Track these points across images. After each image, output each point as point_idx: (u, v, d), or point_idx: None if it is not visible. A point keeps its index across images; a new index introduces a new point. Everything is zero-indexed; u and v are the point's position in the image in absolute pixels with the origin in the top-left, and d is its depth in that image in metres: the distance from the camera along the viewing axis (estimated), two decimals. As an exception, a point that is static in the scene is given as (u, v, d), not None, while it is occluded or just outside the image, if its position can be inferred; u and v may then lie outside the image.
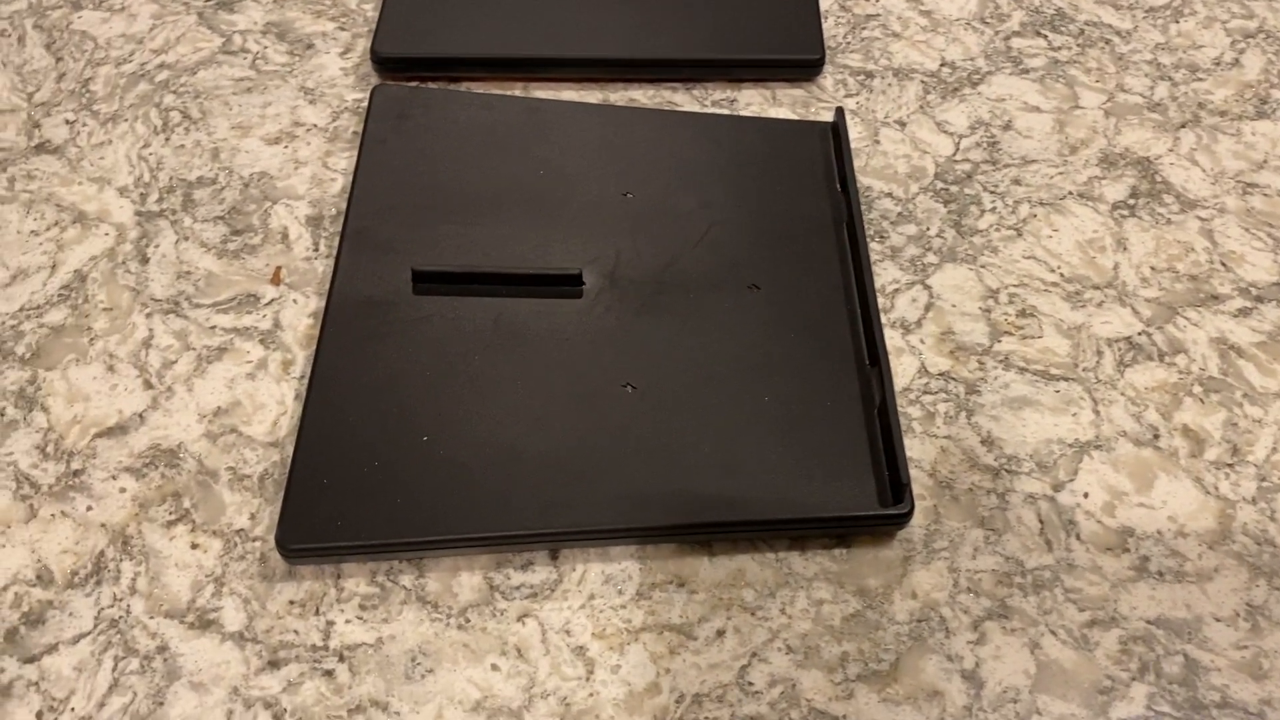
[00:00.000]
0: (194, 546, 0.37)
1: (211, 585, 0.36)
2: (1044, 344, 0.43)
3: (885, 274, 0.45)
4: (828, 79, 0.53)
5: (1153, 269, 0.45)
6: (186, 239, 0.45)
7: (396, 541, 0.36)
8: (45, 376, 0.41)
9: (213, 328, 0.43)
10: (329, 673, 0.35)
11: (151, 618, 0.36)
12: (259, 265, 0.45)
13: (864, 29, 0.55)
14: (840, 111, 0.48)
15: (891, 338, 0.43)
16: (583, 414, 0.39)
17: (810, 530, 0.38)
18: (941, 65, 0.54)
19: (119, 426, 0.40)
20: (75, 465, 0.39)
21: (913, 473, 0.39)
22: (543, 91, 0.51)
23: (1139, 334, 0.43)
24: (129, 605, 0.36)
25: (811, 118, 0.51)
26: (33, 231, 0.46)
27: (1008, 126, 0.51)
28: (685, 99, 0.52)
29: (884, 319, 0.44)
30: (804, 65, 0.52)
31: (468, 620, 0.36)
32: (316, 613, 0.36)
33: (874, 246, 0.46)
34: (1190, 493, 0.39)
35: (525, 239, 0.44)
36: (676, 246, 0.44)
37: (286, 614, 0.36)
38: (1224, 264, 0.46)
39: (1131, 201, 0.48)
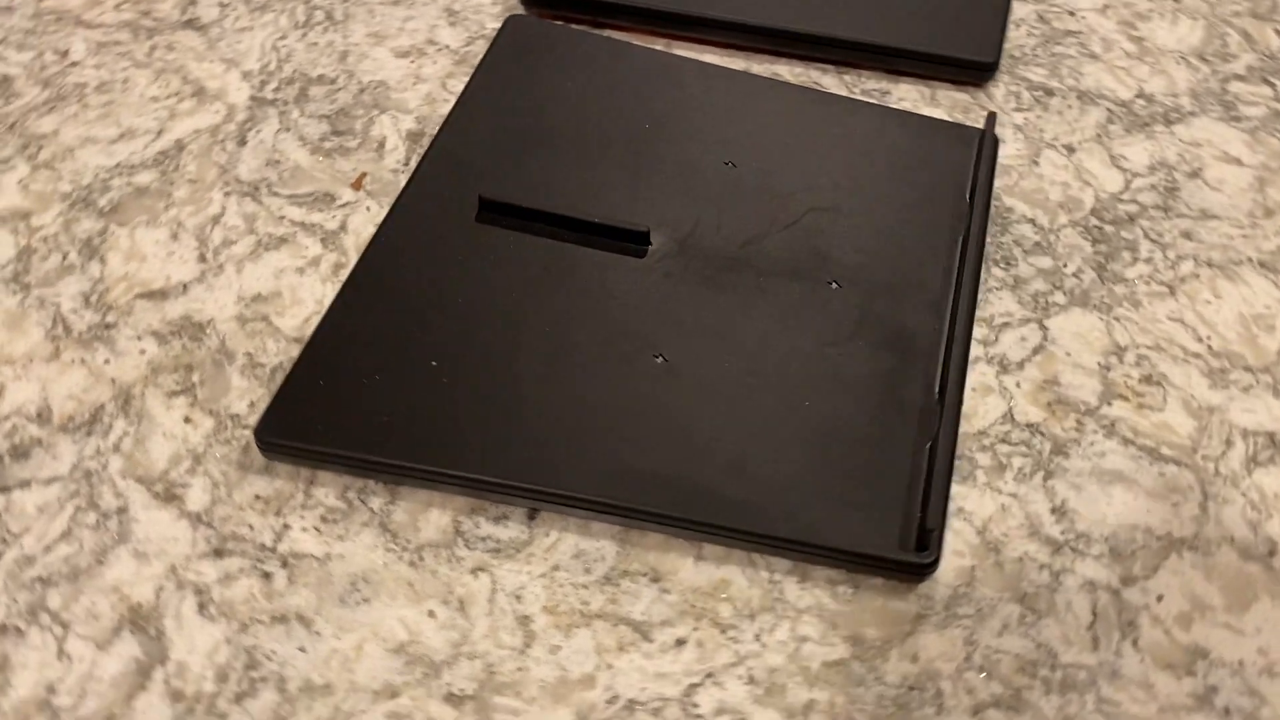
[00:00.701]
0: (186, 420, 0.36)
1: (189, 461, 0.35)
2: (1163, 418, 0.37)
3: (999, 304, 0.40)
4: (999, 88, 0.47)
5: (1327, 362, 0.38)
6: (287, 130, 0.45)
7: (373, 460, 0.34)
8: (115, 231, 0.42)
9: (281, 218, 0.42)
10: (267, 575, 0.33)
11: (123, 478, 0.35)
12: (347, 168, 0.44)
13: (1057, 44, 0.49)
14: (991, 116, 0.43)
15: (983, 373, 0.38)
16: (602, 375, 0.36)
17: (816, 557, 0.33)
18: (1137, 96, 0.47)
19: (161, 291, 0.40)
20: (109, 319, 0.39)
21: (959, 525, 0.34)
22: (685, 50, 0.48)
23: (1286, 431, 0.36)
24: (107, 461, 0.35)
25: (967, 123, 0.45)
26: (153, 98, 0.46)
27: (1195, 174, 0.44)
28: (834, 82, 0.47)
29: (980, 351, 0.38)
30: (973, 67, 0.47)
31: (421, 559, 0.33)
32: (277, 513, 0.34)
33: (995, 273, 0.40)
34: (1296, 628, 0.32)
35: (608, 190, 0.41)
36: (764, 225, 0.40)
37: (248, 507, 0.34)
38: None
39: (1323, 282, 0.40)
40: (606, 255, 0.39)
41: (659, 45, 0.49)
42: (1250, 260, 0.41)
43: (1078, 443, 0.36)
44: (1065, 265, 0.41)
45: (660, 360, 0.36)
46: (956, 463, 0.35)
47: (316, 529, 0.34)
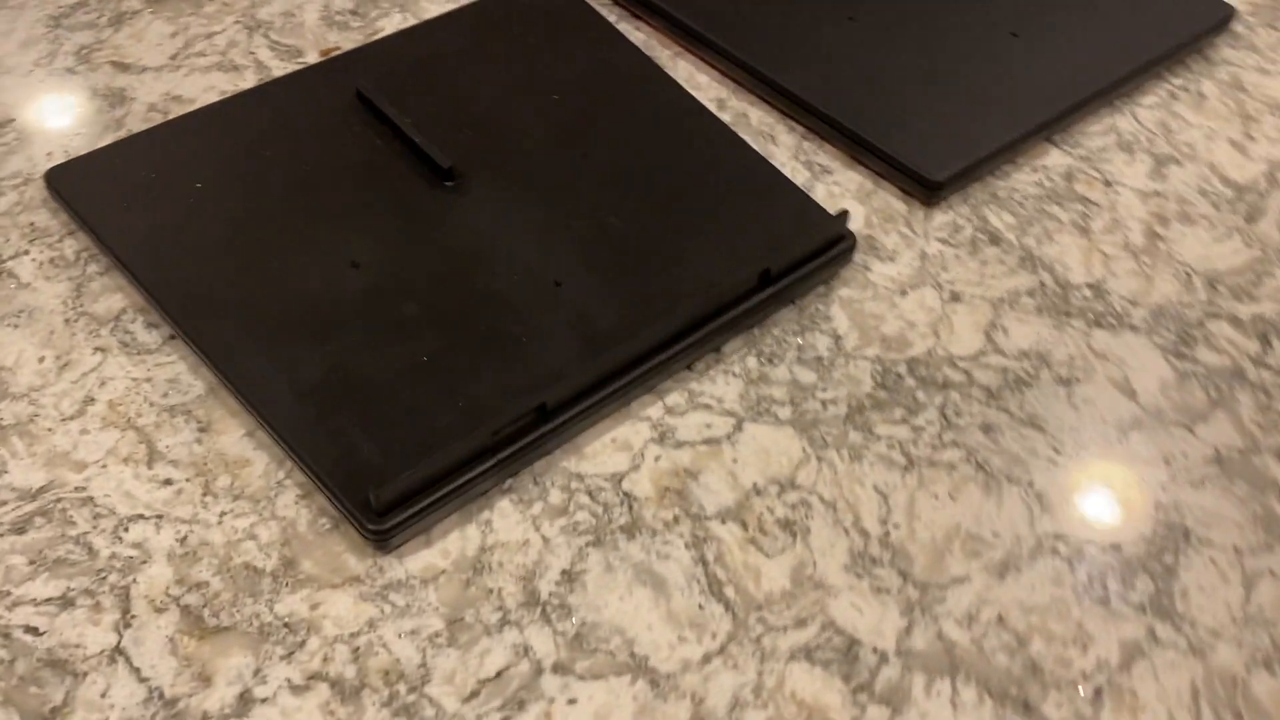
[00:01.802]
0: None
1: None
2: (763, 564, 0.32)
3: (719, 388, 0.37)
4: (946, 214, 0.42)
5: None
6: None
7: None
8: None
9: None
10: (-23, 275, 0.39)
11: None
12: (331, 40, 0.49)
13: (1056, 203, 0.43)
14: (844, 215, 0.39)
15: (636, 431, 0.35)
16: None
17: (314, 479, 0.33)
18: (1089, 285, 0.40)
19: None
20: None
21: (473, 533, 0.33)
22: (686, 63, 0.48)
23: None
24: None
25: (849, 225, 0.42)
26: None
27: (1068, 381, 0.37)
28: (790, 141, 0.45)
29: (658, 414, 0.36)
30: (921, 182, 0.42)
31: (75, 320, 0.38)
32: None
33: (750, 363, 0.37)
34: None
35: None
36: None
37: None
38: None
39: None
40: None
41: (669, 50, 0.49)
42: (1024, 484, 0.35)
43: (654, 535, 0.33)
44: (824, 389, 0.37)
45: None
46: (534, 485, 0.34)
47: (41, 266, 0.39)
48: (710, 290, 0.36)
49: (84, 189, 0.39)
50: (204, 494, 0.33)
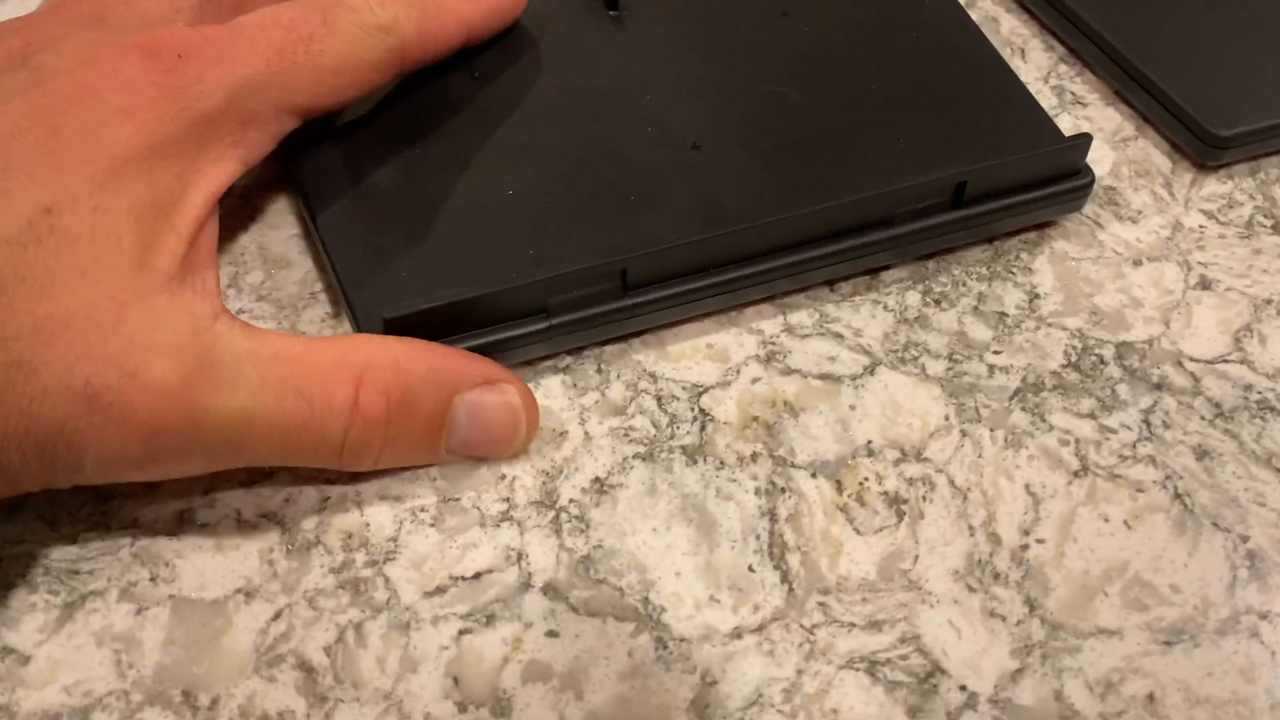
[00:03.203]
0: None
1: None
2: (849, 543, 0.25)
3: (865, 319, 0.29)
4: (1215, 181, 0.33)
5: None
6: None
7: None
8: None
9: None
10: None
11: None
12: None
13: None
14: (1085, 141, 0.30)
15: (741, 342, 0.28)
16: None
17: None
18: (1398, 311, 0.30)
19: None
20: None
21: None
22: None
23: None
24: None
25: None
26: None
27: (1328, 418, 0.27)
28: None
29: (775, 327, 0.28)
30: (1203, 137, 0.33)
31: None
32: None
33: (925, 308, 0.29)
34: None
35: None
36: None
37: None
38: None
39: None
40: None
41: None
42: (1235, 535, 0.25)
43: (721, 467, 0.26)
44: (997, 352, 0.28)
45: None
46: (596, 372, 0.27)
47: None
48: (879, 193, 0.28)
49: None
50: (228, 285, 0.29)
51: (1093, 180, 0.30)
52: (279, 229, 0.30)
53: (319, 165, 0.29)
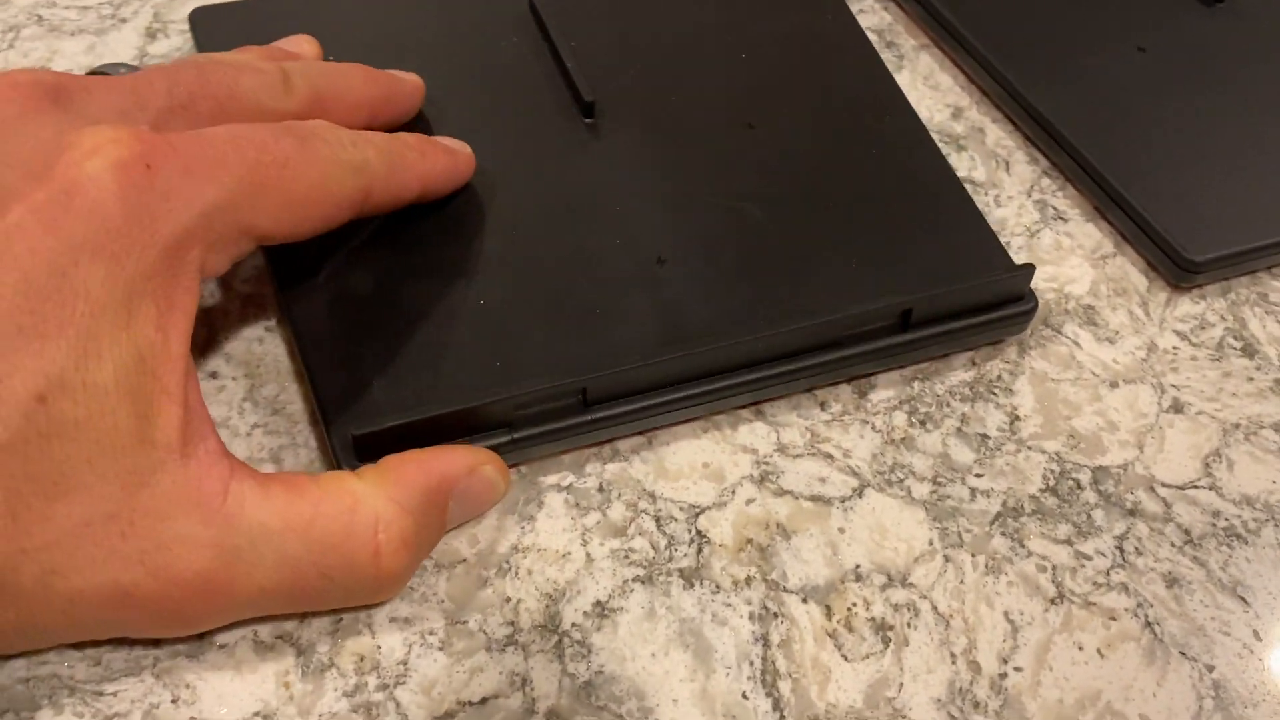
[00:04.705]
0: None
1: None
2: (835, 669, 0.26)
3: (848, 440, 0.30)
4: (1197, 300, 0.34)
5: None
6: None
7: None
8: None
9: None
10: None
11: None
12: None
13: None
14: (1028, 270, 0.31)
15: (735, 464, 0.29)
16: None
17: None
18: (1358, 437, 0.31)
19: None
20: None
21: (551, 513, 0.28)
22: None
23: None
24: None
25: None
26: None
27: (1290, 547, 0.29)
28: (1024, 174, 0.37)
29: (766, 440, 0.30)
30: (1175, 259, 0.34)
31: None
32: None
33: (897, 421, 0.31)
34: None
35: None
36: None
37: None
38: None
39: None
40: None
41: (915, 40, 0.42)
42: (1201, 665, 0.27)
43: (717, 591, 0.27)
44: (978, 475, 0.30)
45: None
46: (598, 491, 0.28)
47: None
48: (830, 319, 0.30)
49: (217, 34, 0.36)
50: (244, 398, 0.30)
51: (1035, 306, 0.32)
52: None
53: (298, 273, 0.30)
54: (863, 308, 0.30)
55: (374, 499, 0.24)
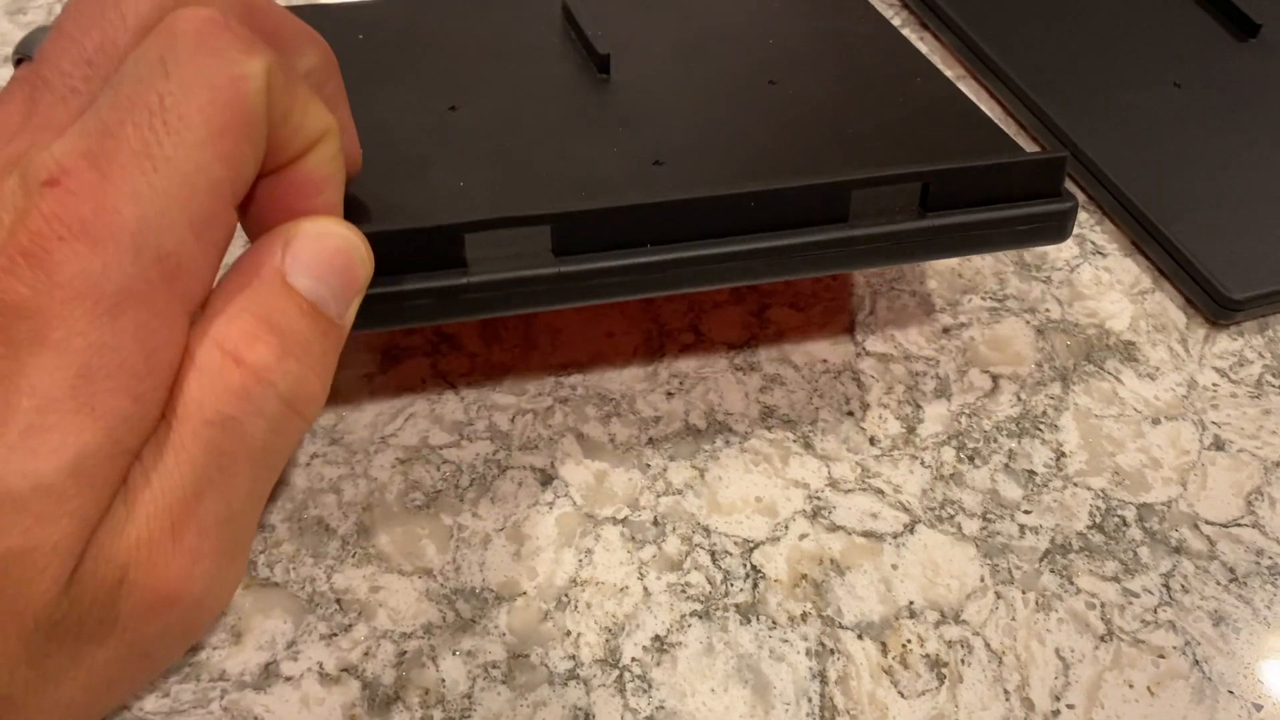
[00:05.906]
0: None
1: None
2: (888, 704, 0.26)
3: (898, 473, 0.30)
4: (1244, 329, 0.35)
5: None
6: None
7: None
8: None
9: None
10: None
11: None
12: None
13: None
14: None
15: (795, 508, 0.30)
16: None
17: None
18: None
19: None
20: None
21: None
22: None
23: None
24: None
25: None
26: None
27: (1333, 586, 0.29)
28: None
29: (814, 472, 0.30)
30: (1214, 297, 0.35)
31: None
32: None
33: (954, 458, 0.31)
34: None
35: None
36: None
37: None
38: None
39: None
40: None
41: (951, 71, 0.42)
42: (1249, 705, 0.27)
43: (774, 627, 0.27)
44: (1026, 512, 0.30)
45: None
46: (653, 525, 0.29)
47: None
48: (834, 180, 0.26)
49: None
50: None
51: (1075, 205, 0.28)
52: (348, 367, 0.31)
53: None
54: (874, 173, 0.27)
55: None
